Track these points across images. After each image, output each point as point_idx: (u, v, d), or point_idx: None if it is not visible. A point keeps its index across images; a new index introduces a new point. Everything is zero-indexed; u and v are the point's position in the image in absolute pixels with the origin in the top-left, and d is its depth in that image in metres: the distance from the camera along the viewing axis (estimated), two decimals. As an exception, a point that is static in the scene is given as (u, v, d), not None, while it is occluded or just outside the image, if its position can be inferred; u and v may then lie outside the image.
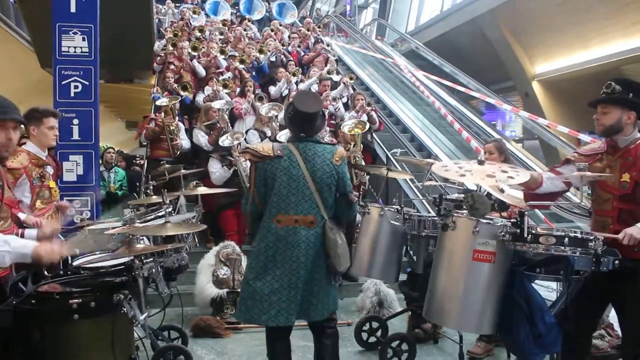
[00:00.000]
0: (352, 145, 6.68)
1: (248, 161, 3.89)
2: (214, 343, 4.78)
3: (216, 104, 7.30)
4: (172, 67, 9.05)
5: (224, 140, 6.47)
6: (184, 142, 7.32)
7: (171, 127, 7.13)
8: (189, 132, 7.73)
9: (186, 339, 4.42)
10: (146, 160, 7.69)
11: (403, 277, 4.62)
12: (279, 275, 3.19)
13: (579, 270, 2.77)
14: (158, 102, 7.36)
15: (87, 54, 5.76)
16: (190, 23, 12.10)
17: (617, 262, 2.70)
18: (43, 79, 9.12)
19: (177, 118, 7.36)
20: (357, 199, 3.52)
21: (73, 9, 5.72)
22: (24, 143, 4.04)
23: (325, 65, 10.21)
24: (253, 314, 3.23)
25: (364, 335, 4.65)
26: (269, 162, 3.27)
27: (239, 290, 5.26)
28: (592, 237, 2.71)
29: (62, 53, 5.72)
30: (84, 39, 5.75)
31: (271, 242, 3.22)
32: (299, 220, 3.22)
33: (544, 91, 15.41)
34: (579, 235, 2.72)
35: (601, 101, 3.07)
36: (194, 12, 12.80)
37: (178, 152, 7.18)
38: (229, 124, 7.21)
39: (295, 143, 3.33)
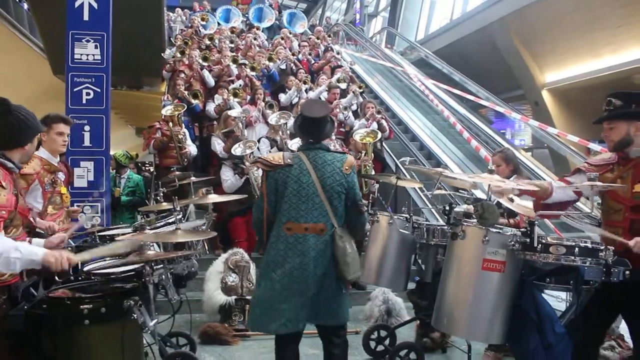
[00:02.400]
0: (363, 154, 6.69)
1: (260, 170, 3.94)
2: (222, 350, 4.78)
3: (234, 113, 7.36)
4: (182, 75, 9.12)
5: (236, 149, 6.50)
6: (191, 148, 7.38)
7: (179, 136, 7.18)
8: (200, 140, 7.76)
9: (194, 345, 4.41)
10: (154, 169, 7.73)
11: (412, 285, 4.61)
12: (287, 283, 3.21)
13: (589, 280, 2.75)
14: (163, 111, 7.41)
15: (99, 61, 5.82)
16: (200, 31, 12.17)
17: (627, 272, 2.68)
18: (55, 85, 9.20)
19: (183, 125, 7.41)
20: (366, 207, 3.54)
21: (86, 17, 5.80)
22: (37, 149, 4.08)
23: (334, 73, 10.25)
24: (263, 322, 3.27)
25: (372, 344, 4.64)
26: (280, 171, 3.31)
27: (247, 297, 5.28)
28: (602, 247, 2.69)
29: (75, 60, 5.79)
30: (96, 47, 5.82)
31: (281, 250, 3.25)
32: (309, 228, 3.25)
33: (553, 100, 15.34)
34: (589, 245, 2.71)
35: (604, 119, 3.06)
36: (202, 20, 12.87)
37: (186, 161, 7.23)
38: (245, 133, 7.28)
39: (305, 152, 3.37)
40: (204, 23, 12.91)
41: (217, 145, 7.07)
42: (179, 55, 9.71)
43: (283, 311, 3.19)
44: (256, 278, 3.46)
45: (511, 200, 3.60)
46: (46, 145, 4.04)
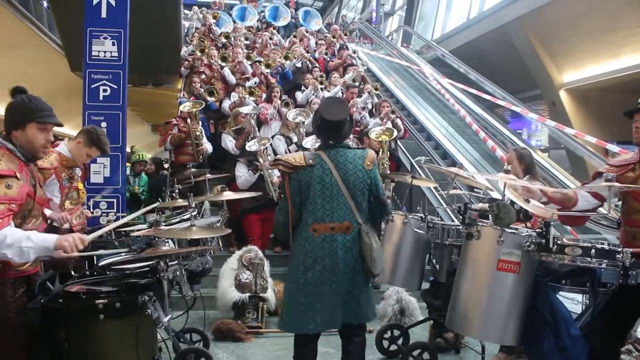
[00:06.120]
0: (379, 153, 6.67)
1: (277, 171, 3.90)
2: (235, 347, 4.80)
3: (244, 110, 7.39)
4: (203, 76, 9.18)
5: (251, 146, 6.53)
6: (207, 145, 7.41)
7: (196, 133, 7.22)
8: (216, 137, 7.79)
9: (207, 342, 4.45)
10: (170, 166, 7.80)
11: (425, 285, 4.60)
12: (319, 283, 3.21)
13: (605, 282, 2.71)
14: (181, 107, 7.47)
15: (117, 58, 5.87)
16: (213, 29, 12.21)
17: (646, 275, 2.64)
18: (73, 82, 9.27)
19: (200, 122, 7.46)
20: (389, 200, 3.52)
21: (104, 14, 5.85)
22: (57, 144, 4.11)
23: (345, 72, 10.26)
24: (300, 323, 3.26)
25: (385, 343, 4.63)
26: (302, 172, 3.26)
27: (260, 294, 5.29)
28: (619, 249, 2.65)
29: (92, 57, 5.84)
30: (113, 44, 5.86)
31: (309, 252, 3.23)
32: (335, 227, 3.23)
33: (571, 100, 15.17)
34: (606, 246, 2.67)
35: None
36: (214, 17, 12.89)
37: (202, 158, 7.26)
38: (256, 129, 7.30)
39: (326, 150, 3.33)
40: (214, 21, 12.92)
41: (229, 142, 7.10)
42: (198, 53, 9.77)
43: (317, 311, 3.20)
44: (287, 281, 3.44)
45: (527, 200, 3.57)
46: (71, 149, 4.06)
